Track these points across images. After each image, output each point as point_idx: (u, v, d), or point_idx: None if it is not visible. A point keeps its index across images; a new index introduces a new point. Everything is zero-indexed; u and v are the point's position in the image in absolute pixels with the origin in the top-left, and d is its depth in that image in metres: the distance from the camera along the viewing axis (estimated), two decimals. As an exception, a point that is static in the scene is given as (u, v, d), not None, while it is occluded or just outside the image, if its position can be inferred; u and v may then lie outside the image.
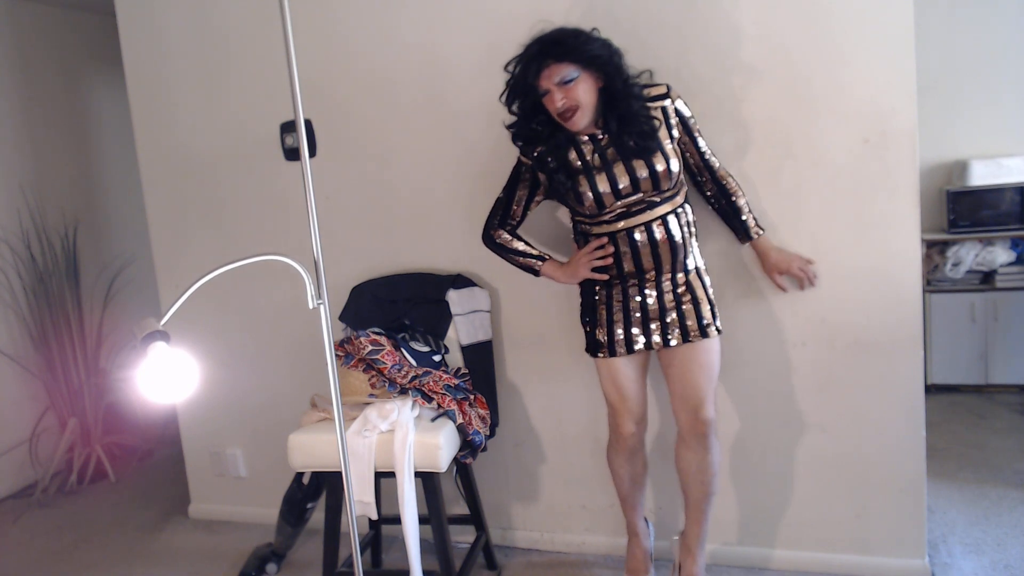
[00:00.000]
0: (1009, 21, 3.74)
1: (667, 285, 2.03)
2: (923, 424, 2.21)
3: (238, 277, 1.68)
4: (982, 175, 3.68)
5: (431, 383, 2.27)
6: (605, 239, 2.02)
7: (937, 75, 3.75)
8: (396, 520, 2.14)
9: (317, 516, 2.56)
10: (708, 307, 2.04)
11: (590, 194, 1.97)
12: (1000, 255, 3.68)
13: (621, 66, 1.96)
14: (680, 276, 2.03)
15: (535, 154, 2.07)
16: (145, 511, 3.28)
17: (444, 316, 2.47)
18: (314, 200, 1.55)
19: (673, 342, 2.03)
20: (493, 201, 2.20)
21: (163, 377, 1.32)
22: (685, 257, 2.02)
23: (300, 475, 2.55)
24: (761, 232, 2.16)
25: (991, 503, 2.69)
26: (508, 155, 2.17)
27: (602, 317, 2.07)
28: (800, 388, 2.29)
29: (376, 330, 2.40)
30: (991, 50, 3.77)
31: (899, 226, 2.13)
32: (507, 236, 2.20)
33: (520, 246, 2.19)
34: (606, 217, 2.00)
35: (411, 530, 2.10)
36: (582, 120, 1.96)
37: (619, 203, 1.97)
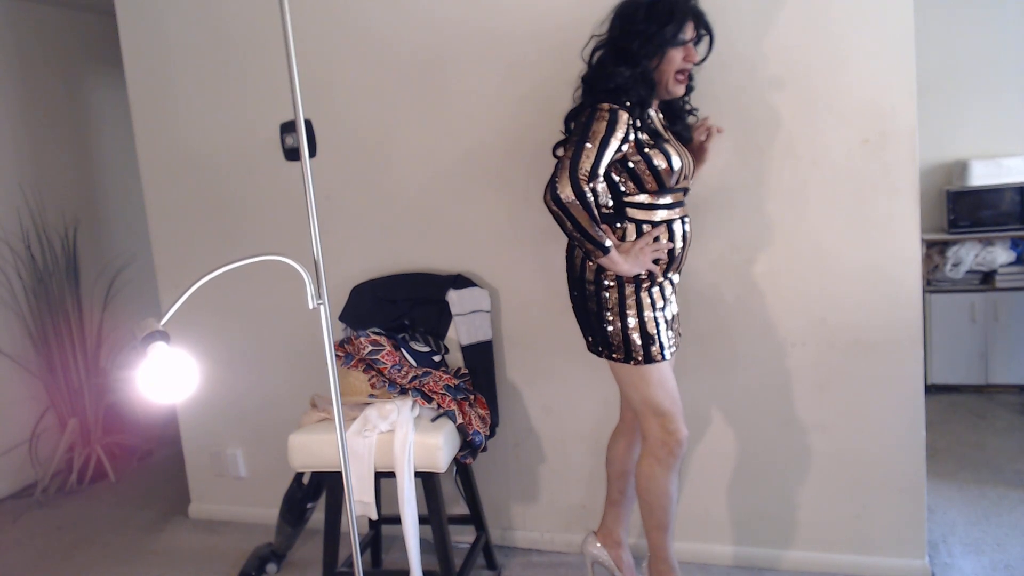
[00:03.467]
0: (1009, 21, 3.74)
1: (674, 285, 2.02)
2: (923, 424, 2.21)
3: (238, 277, 1.68)
4: (982, 175, 3.69)
5: (431, 383, 2.26)
6: (663, 230, 1.89)
7: (937, 75, 3.75)
8: (396, 520, 2.14)
9: (317, 516, 2.56)
10: None
11: (679, 161, 1.87)
12: (1000, 255, 3.68)
13: None
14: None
15: (638, 104, 1.84)
16: (145, 511, 3.28)
17: (444, 316, 2.47)
18: (314, 200, 1.55)
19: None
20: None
21: (163, 377, 1.32)
22: None
23: (300, 475, 2.55)
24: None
25: (991, 503, 2.69)
26: (509, 155, 2.16)
27: (651, 314, 1.91)
28: (800, 388, 2.29)
29: (376, 330, 2.40)
30: (991, 50, 3.77)
31: (899, 226, 2.13)
32: (592, 196, 1.78)
33: (596, 213, 1.78)
34: (668, 200, 1.90)
35: (411, 530, 2.10)
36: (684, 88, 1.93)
37: (681, 183, 1.93)
